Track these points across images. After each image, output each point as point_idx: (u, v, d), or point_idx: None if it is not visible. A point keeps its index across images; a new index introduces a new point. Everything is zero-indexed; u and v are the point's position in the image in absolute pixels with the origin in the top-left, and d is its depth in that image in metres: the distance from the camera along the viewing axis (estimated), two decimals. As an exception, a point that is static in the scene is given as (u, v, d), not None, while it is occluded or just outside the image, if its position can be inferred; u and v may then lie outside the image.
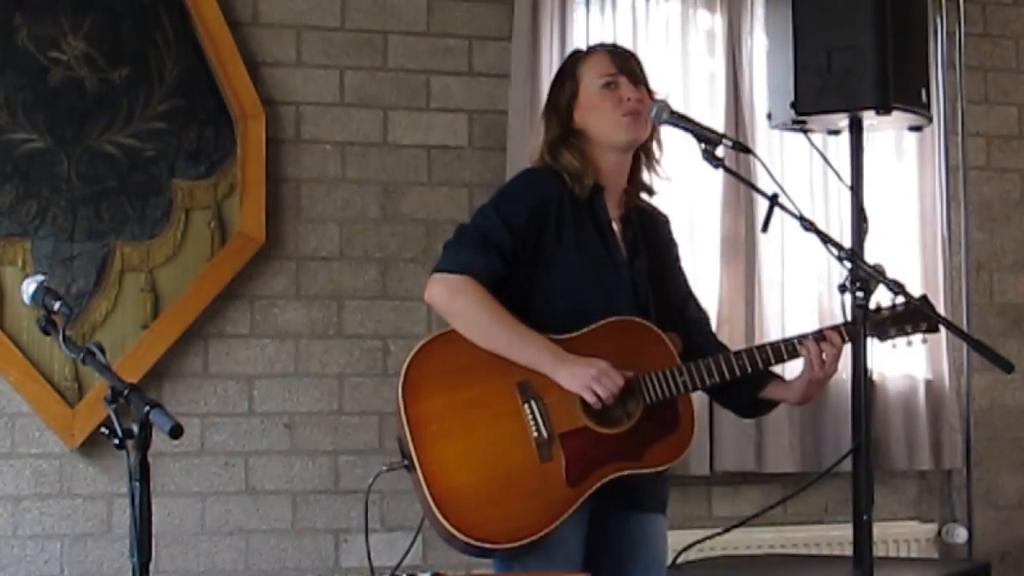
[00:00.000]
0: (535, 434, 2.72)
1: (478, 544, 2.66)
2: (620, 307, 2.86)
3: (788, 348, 2.89)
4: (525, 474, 2.71)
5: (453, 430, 2.71)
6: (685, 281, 3.11)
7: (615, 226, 2.94)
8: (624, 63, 2.97)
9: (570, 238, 2.84)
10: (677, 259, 3.10)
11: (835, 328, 2.90)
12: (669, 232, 3.10)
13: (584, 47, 3.13)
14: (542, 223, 2.83)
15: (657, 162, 3.02)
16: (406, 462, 2.71)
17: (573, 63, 3.01)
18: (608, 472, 2.75)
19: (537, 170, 2.93)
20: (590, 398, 2.73)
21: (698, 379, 2.82)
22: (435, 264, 2.83)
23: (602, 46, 3.07)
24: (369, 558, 2.85)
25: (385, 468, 2.77)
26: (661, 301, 2.96)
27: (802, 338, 2.89)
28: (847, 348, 2.91)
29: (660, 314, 2.93)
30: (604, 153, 2.93)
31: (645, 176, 3.02)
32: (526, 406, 2.74)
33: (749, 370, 2.85)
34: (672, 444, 2.82)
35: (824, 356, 2.86)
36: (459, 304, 2.77)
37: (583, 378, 2.72)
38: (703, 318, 3.10)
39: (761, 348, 2.89)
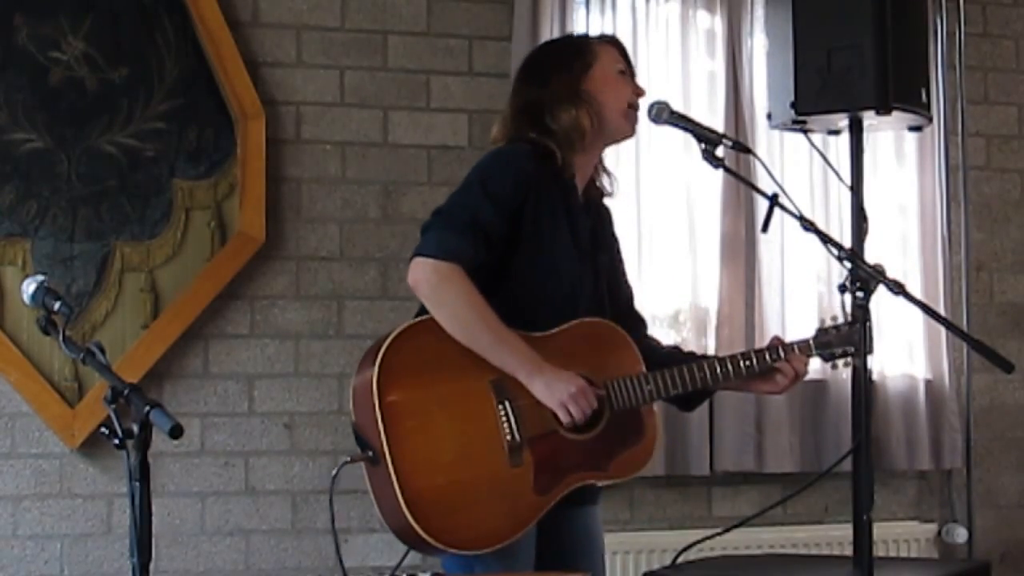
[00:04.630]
0: (508, 437, 2.66)
1: (444, 548, 2.59)
2: (580, 298, 2.82)
3: (750, 362, 2.85)
4: (495, 479, 2.65)
5: (426, 428, 2.62)
6: (627, 279, 3.06)
7: (581, 216, 2.88)
8: (630, 64, 2.96)
9: (544, 224, 2.77)
10: (620, 255, 3.06)
11: (799, 345, 2.89)
12: (613, 228, 3.06)
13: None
14: (524, 204, 2.74)
15: (606, 170, 3.00)
16: (370, 453, 2.60)
17: (586, 41, 3.00)
18: (573, 481, 2.72)
19: (518, 148, 2.81)
20: (564, 416, 2.68)
21: (663, 389, 2.79)
22: (418, 246, 2.69)
23: (612, 41, 3.02)
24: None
25: (347, 460, 2.63)
26: (614, 297, 2.95)
27: (766, 352, 2.87)
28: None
29: (613, 310, 2.91)
30: (592, 142, 2.87)
31: (604, 179, 3.00)
32: (500, 407, 2.67)
33: (711, 384, 2.84)
34: (636, 455, 2.80)
35: (791, 372, 2.87)
36: (445, 295, 2.65)
37: (560, 394, 2.66)
38: (644, 320, 3.07)
39: (723, 361, 2.85)
